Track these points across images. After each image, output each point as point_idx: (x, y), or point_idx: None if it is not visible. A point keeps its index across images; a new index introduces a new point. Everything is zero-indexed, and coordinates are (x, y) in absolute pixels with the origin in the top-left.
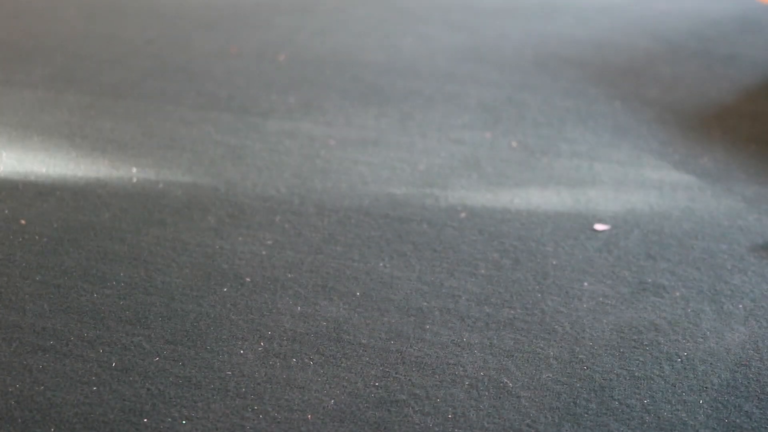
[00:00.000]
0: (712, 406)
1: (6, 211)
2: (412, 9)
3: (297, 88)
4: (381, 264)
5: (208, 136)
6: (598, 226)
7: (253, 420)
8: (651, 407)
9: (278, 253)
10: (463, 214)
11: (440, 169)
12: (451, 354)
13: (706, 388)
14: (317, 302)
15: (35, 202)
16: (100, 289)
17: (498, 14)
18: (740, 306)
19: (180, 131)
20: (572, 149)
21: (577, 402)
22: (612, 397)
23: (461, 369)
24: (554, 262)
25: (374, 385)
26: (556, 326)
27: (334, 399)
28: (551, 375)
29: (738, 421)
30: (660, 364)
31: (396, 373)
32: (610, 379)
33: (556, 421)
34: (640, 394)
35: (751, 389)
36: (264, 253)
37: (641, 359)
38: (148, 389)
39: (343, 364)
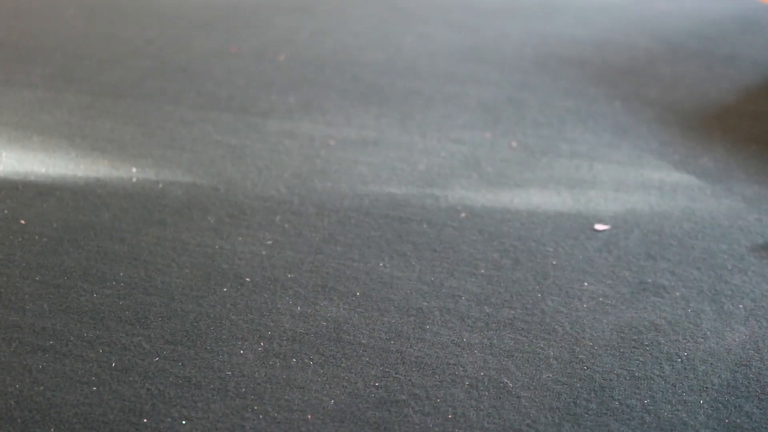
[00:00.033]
0: (712, 407)
1: (6, 211)
2: (412, 9)
3: (297, 88)
4: (381, 264)
5: (208, 136)
6: (598, 226)
7: (253, 420)
8: (651, 407)
9: (278, 253)
10: (463, 214)
11: (440, 169)
12: (451, 354)
13: (706, 388)
14: (317, 302)
15: (35, 202)
16: (99, 289)
17: (498, 14)
18: (740, 306)
19: (180, 131)
20: (572, 149)
21: (578, 402)
22: (612, 397)
23: (461, 369)
24: (554, 262)
25: (374, 385)
26: (556, 326)
27: (334, 399)
28: (551, 375)
29: (738, 421)
30: (660, 364)
31: (396, 373)
32: (611, 379)
33: (556, 421)
34: (640, 394)
35: (751, 389)
36: (264, 253)
37: (641, 359)
38: (148, 389)
39: (343, 364)
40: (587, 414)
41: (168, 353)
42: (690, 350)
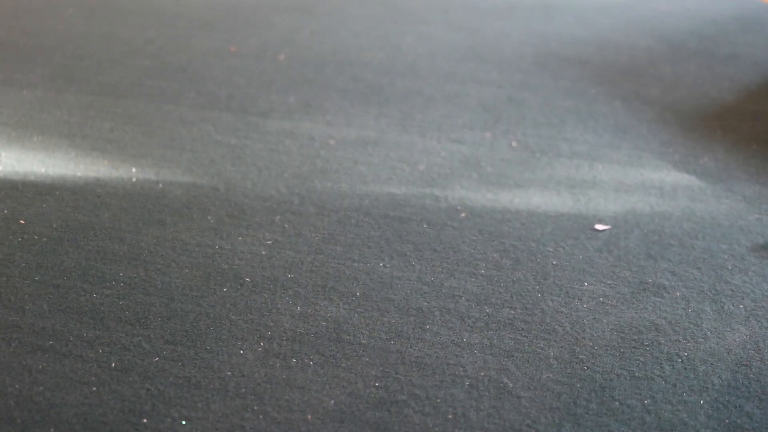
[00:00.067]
0: (712, 407)
1: (5, 211)
2: (412, 9)
3: (297, 88)
4: (381, 264)
5: (207, 135)
6: (599, 226)
7: (253, 420)
8: (651, 407)
9: (278, 253)
10: (463, 214)
11: (440, 169)
12: (451, 354)
13: (706, 388)
14: (317, 302)
15: (34, 201)
16: (99, 289)
17: (498, 14)
18: (741, 306)
19: (179, 131)
20: (572, 149)
21: (578, 402)
22: (612, 397)
23: (461, 369)
24: (554, 262)
25: (374, 386)
26: (557, 326)
27: (334, 399)
28: (551, 375)
29: (739, 421)
30: (660, 364)
31: (396, 374)
32: (611, 380)
33: (557, 421)
34: (640, 394)
35: (752, 389)
36: (264, 253)
37: (642, 359)
38: (148, 389)
39: (343, 364)
40: (587, 414)
41: (168, 353)
42: (690, 350)
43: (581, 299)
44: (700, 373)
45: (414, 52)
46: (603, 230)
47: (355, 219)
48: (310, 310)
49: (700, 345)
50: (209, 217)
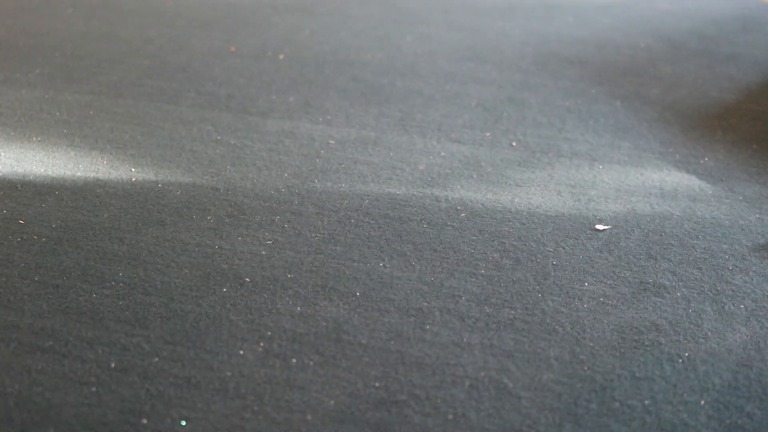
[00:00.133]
0: (713, 407)
1: (4, 211)
2: (412, 9)
3: (297, 88)
4: (381, 264)
5: (207, 135)
6: (599, 226)
7: (253, 421)
8: (652, 408)
9: (278, 253)
10: (463, 214)
11: (440, 169)
12: (451, 354)
13: (707, 388)
14: (317, 302)
15: (34, 201)
16: (98, 290)
17: (498, 14)
18: (742, 306)
19: (179, 131)
20: (573, 149)
21: (578, 403)
22: (613, 397)
23: (461, 369)
24: (555, 262)
25: (374, 386)
26: (557, 326)
27: (334, 399)
28: (552, 375)
29: (739, 422)
30: (661, 364)
31: (396, 374)
32: (611, 380)
33: (557, 421)
34: (641, 394)
35: (752, 390)
36: (264, 253)
37: (642, 360)
38: (147, 390)
39: (343, 365)
40: (588, 415)
41: (167, 354)
42: (691, 350)
43: (582, 299)
44: (701, 374)
45: (414, 52)
46: (603, 230)
47: (355, 219)
48: (310, 310)
49: (700, 345)
50: (209, 217)
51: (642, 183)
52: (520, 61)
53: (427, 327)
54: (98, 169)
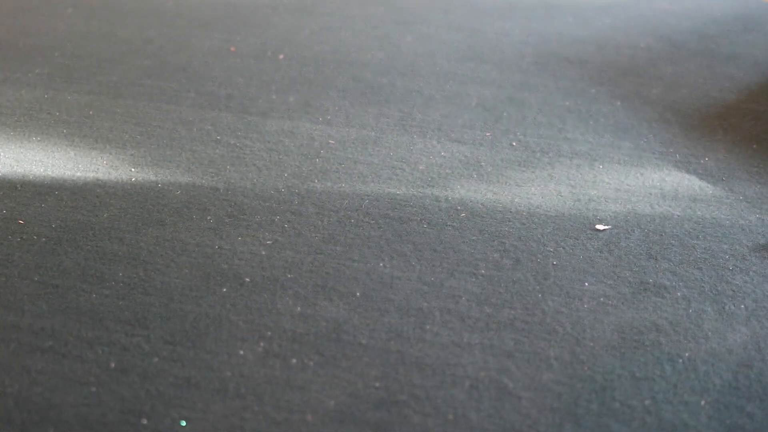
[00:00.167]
0: (713, 407)
1: (4, 211)
2: (412, 9)
3: (296, 88)
4: (381, 264)
5: (207, 135)
6: (599, 226)
7: (253, 421)
8: (652, 408)
9: (278, 253)
10: (463, 214)
11: (440, 169)
12: (451, 354)
13: (707, 389)
14: (317, 302)
15: (33, 201)
16: (98, 290)
17: (498, 14)
18: (742, 306)
19: (179, 131)
20: (573, 149)
21: (578, 403)
22: (613, 398)
23: (461, 370)
24: (555, 262)
25: (374, 386)
26: (557, 327)
27: (334, 400)
28: (552, 376)
29: (740, 422)
30: (661, 364)
31: (396, 374)
32: (611, 380)
33: (557, 422)
34: (641, 395)
35: (753, 390)
36: (264, 253)
37: (642, 360)
38: (147, 390)
39: (343, 365)
40: (588, 415)
41: (167, 354)
42: (691, 351)
43: (582, 299)
44: (701, 374)
45: (414, 52)
46: (603, 230)
47: (355, 219)
48: (310, 310)
49: (701, 345)
50: (209, 217)
51: (642, 183)
52: (520, 61)
53: (427, 327)
54: (98, 169)
